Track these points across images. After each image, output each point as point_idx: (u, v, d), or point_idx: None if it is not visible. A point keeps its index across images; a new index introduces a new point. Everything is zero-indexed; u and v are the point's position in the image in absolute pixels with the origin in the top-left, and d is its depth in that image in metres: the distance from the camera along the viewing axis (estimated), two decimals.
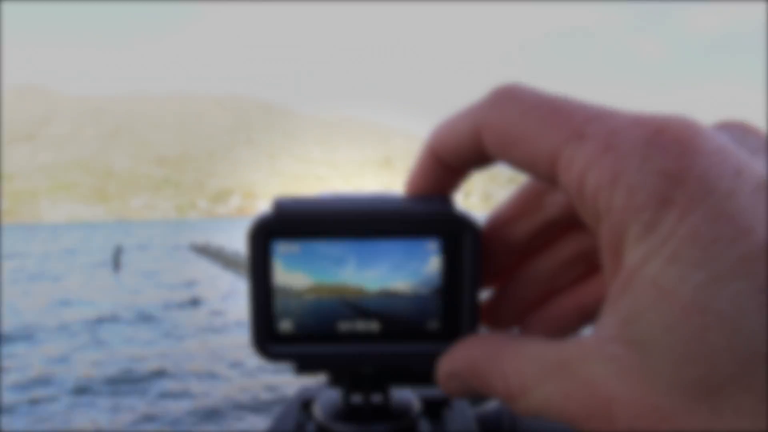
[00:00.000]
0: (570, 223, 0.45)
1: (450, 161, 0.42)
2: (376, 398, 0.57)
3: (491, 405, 0.70)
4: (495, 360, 0.38)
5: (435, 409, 0.65)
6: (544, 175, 0.35)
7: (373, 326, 0.47)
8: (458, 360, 0.41)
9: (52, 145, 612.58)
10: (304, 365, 0.49)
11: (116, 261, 37.18)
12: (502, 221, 0.47)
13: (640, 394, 0.29)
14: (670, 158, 0.28)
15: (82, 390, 10.09)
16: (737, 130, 0.32)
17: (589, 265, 0.46)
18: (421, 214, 0.45)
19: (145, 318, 17.93)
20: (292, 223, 0.45)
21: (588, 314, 0.46)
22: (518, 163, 0.36)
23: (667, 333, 0.28)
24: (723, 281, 0.26)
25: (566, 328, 0.47)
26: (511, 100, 0.35)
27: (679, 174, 0.28)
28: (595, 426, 0.31)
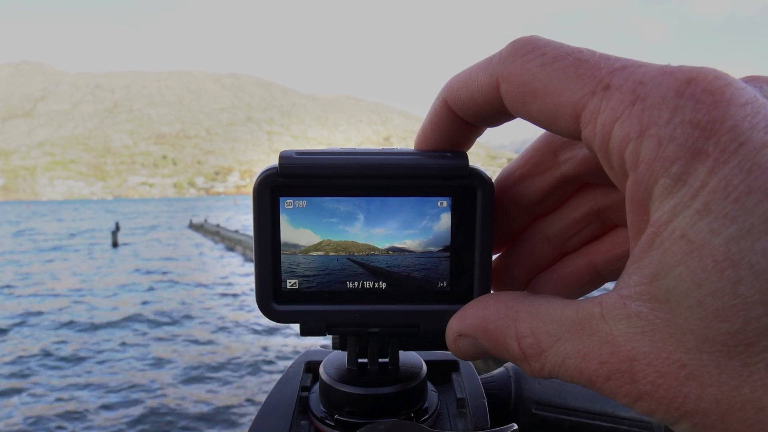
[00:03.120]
0: (584, 180, 0.44)
1: (464, 115, 0.40)
2: (383, 361, 0.56)
3: (498, 370, 0.69)
4: (509, 320, 0.37)
5: (442, 372, 0.64)
6: (566, 129, 0.33)
7: (381, 285, 0.46)
8: (469, 319, 0.40)
9: (50, 121, 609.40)
10: (310, 326, 0.47)
11: (114, 239, 37.42)
12: (514, 179, 0.46)
13: (666, 352, 0.28)
14: (701, 109, 0.27)
15: None
16: (765, 84, 0.31)
17: (601, 225, 0.45)
18: (432, 170, 0.43)
19: None
20: (298, 179, 0.43)
21: (600, 274, 0.46)
22: (538, 116, 0.34)
23: (697, 288, 0.27)
24: (756, 234, 0.26)
25: (577, 288, 0.46)
26: (531, 52, 0.34)
27: (711, 125, 0.27)
28: (614, 385, 0.31)
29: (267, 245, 0.45)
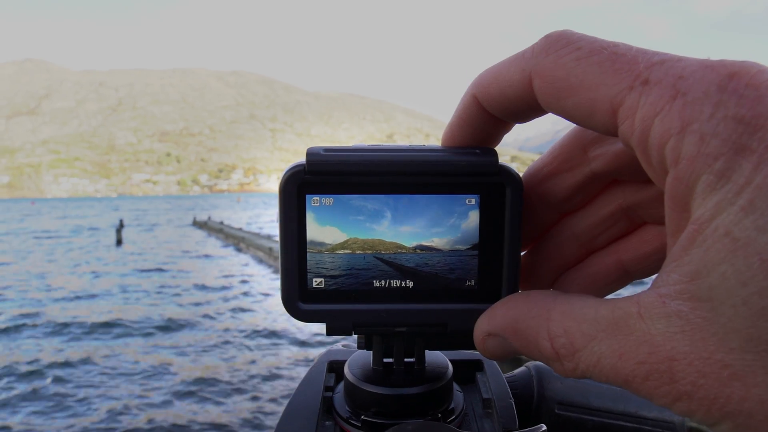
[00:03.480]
0: (613, 177, 0.44)
1: (494, 111, 0.40)
2: (409, 361, 0.55)
3: (519, 369, 0.68)
4: (540, 319, 0.37)
5: (467, 372, 0.64)
6: (602, 124, 0.33)
7: (409, 284, 0.46)
8: (499, 318, 0.40)
9: (54, 119, 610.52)
10: (337, 325, 0.47)
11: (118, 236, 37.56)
12: (542, 176, 0.45)
13: (708, 352, 0.28)
14: (745, 104, 0.27)
15: None
16: None
17: (630, 222, 0.45)
18: (460, 167, 0.43)
19: None
20: (325, 176, 0.43)
21: (628, 272, 0.45)
22: (573, 112, 0.34)
23: (742, 287, 0.26)
24: None
25: (604, 286, 0.46)
26: (565, 46, 0.33)
27: (756, 120, 0.27)
28: (652, 386, 0.30)
29: (293, 243, 0.44)
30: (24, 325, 14.29)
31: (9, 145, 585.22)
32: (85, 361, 11.18)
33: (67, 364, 10.90)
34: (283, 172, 0.44)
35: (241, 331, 13.16)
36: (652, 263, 0.41)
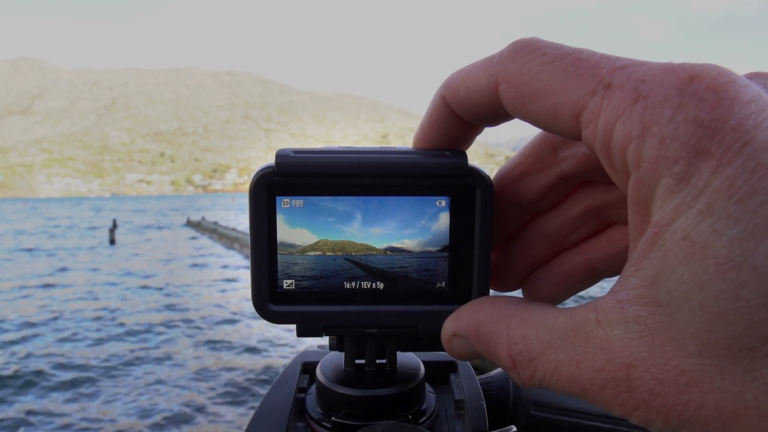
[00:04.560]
0: (583, 178, 0.44)
1: (462, 114, 0.40)
2: (380, 362, 0.55)
3: (496, 371, 0.67)
4: (501, 325, 0.37)
5: (440, 373, 0.64)
6: (566, 129, 0.33)
7: (379, 285, 0.46)
8: (464, 320, 0.40)
9: (48, 118, 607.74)
10: (307, 327, 0.47)
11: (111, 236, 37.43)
12: (513, 177, 0.45)
13: (666, 358, 0.28)
14: (704, 107, 0.27)
15: None
16: None
17: (599, 222, 0.45)
18: (430, 169, 0.43)
19: None
20: (295, 178, 0.43)
21: (597, 271, 0.46)
22: (537, 117, 0.34)
23: (698, 290, 0.26)
24: (760, 235, 0.25)
25: (573, 285, 0.46)
26: (531, 52, 0.34)
27: (715, 124, 0.26)
28: (609, 395, 0.30)
29: (263, 245, 0.44)
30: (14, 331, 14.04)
31: (1, 144, 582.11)
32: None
33: None
34: (253, 174, 0.44)
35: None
36: (621, 262, 0.41)
